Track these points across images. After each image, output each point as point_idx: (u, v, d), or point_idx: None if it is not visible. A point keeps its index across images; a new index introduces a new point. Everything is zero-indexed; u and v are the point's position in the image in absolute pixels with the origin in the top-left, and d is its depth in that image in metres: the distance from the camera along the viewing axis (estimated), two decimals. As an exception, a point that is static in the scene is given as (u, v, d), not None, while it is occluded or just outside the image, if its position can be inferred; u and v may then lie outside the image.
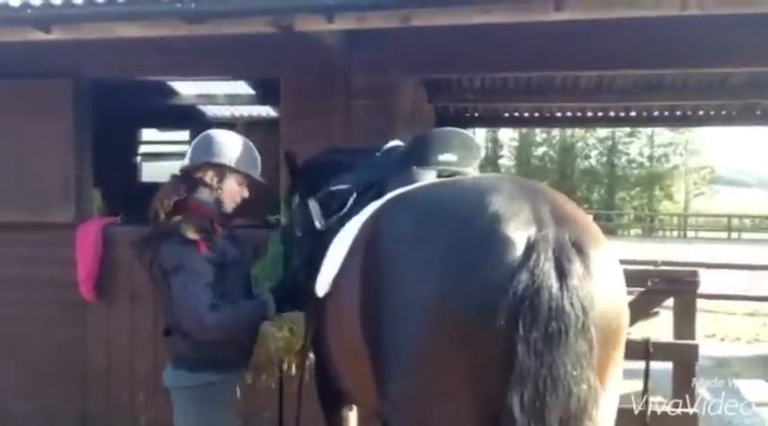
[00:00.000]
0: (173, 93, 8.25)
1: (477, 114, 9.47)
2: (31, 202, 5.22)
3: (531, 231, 1.94)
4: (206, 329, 2.93)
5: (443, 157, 2.91)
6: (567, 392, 1.83)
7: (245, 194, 3.31)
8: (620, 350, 2.05)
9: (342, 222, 2.87)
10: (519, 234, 1.93)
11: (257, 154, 3.37)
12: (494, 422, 1.86)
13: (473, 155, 3.02)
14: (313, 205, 3.22)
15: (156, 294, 3.25)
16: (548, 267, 1.88)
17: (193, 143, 3.30)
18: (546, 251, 1.90)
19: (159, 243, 3.02)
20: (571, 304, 1.86)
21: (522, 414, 1.81)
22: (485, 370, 1.88)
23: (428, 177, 2.81)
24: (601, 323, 1.92)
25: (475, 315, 1.89)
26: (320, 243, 2.97)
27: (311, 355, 3.59)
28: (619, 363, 2.06)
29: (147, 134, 10.35)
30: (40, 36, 4.10)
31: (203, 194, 3.19)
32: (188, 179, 3.21)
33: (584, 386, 1.85)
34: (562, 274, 1.88)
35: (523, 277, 1.86)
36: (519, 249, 1.91)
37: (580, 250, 1.95)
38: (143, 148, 10.35)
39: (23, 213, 5.21)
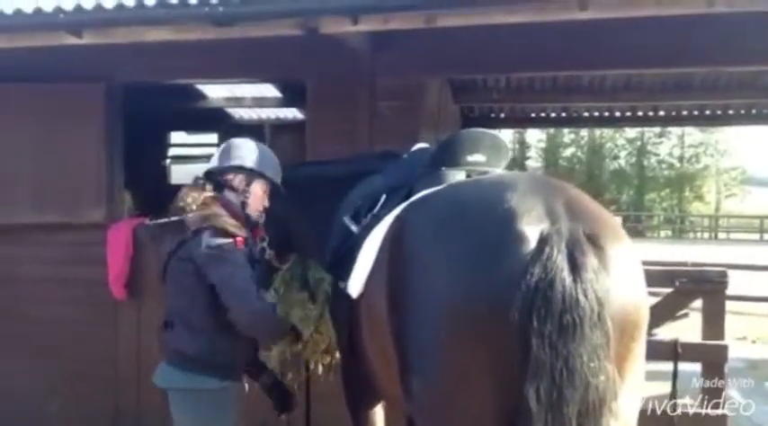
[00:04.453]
0: (201, 96, 8.35)
1: (503, 115, 9.43)
2: (64, 203, 5.32)
3: (544, 225, 1.96)
4: (260, 318, 2.93)
5: (472, 158, 2.94)
6: (584, 383, 1.84)
7: (267, 204, 3.31)
8: (640, 343, 2.05)
9: (374, 221, 2.91)
10: (532, 228, 1.96)
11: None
12: (515, 416, 1.87)
13: (501, 155, 3.05)
14: (344, 207, 3.25)
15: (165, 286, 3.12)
16: (560, 260, 1.89)
17: (223, 147, 3.30)
18: (559, 244, 1.91)
19: (195, 233, 2.97)
20: (585, 296, 1.87)
21: (538, 406, 1.82)
22: (503, 365, 1.90)
23: (457, 178, 2.84)
24: (618, 315, 1.93)
25: (490, 310, 1.91)
26: (352, 242, 3.02)
27: (338, 355, 3.62)
28: (639, 356, 2.06)
29: (176, 137, 10.47)
30: (72, 40, 4.19)
31: (231, 197, 3.21)
32: (216, 181, 3.23)
33: (602, 378, 1.85)
34: (575, 267, 1.89)
35: (536, 270, 1.88)
36: (532, 243, 1.93)
37: (595, 243, 1.96)
38: (172, 151, 10.47)
39: (56, 214, 5.32)
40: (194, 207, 3.04)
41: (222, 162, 3.23)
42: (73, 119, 5.32)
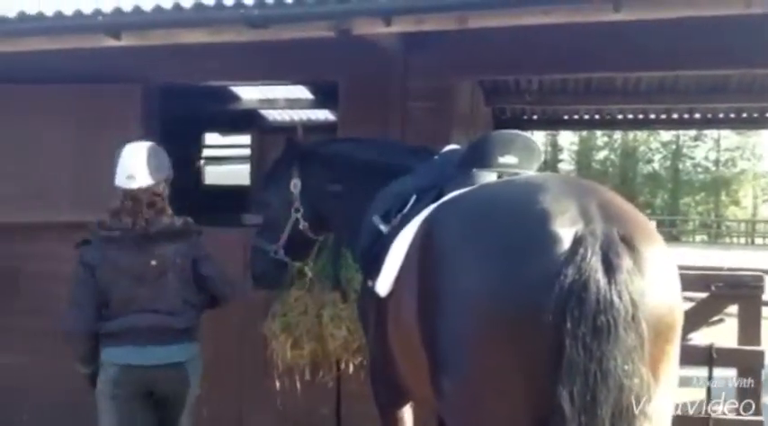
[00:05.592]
0: (235, 97, 8.45)
1: (535, 116, 9.36)
2: (102, 203, 5.40)
3: (578, 227, 1.95)
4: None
5: (504, 159, 2.92)
6: (618, 385, 1.82)
7: None
8: (674, 346, 2.03)
9: (404, 221, 2.92)
10: (565, 230, 1.94)
11: None
12: (547, 417, 1.87)
13: (534, 157, 3.03)
14: (374, 207, 3.27)
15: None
16: (594, 261, 1.88)
17: (146, 158, 3.66)
18: (593, 245, 1.90)
19: (197, 235, 3.68)
20: (620, 297, 1.85)
21: (572, 408, 1.81)
22: (536, 366, 1.90)
23: (488, 179, 2.83)
24: (652, 317, 1.91)
25: (523, 312, 1.91)
26: (382, 242, 3.03)
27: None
28: (673, 359, 2.04)
29: (210, 138, 10.60)
30: (110, 42, 4.26)
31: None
32: (154, 193, 3.63)
33: (636, 380, 1.84)
34: (609, 268, 1.88)
35: (570, 271, 1.87)
36: (565, 245, 1.92)
37: (629, 244, 1.95)
38: (206, 152, 10.60)
39: (94, 214, 5.39)
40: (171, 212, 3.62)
41: (155, 175, 3.62)
42: (110, 120, 5.38)
